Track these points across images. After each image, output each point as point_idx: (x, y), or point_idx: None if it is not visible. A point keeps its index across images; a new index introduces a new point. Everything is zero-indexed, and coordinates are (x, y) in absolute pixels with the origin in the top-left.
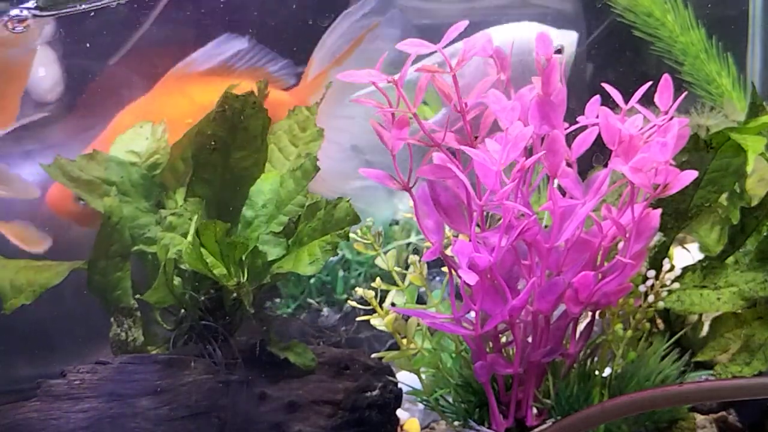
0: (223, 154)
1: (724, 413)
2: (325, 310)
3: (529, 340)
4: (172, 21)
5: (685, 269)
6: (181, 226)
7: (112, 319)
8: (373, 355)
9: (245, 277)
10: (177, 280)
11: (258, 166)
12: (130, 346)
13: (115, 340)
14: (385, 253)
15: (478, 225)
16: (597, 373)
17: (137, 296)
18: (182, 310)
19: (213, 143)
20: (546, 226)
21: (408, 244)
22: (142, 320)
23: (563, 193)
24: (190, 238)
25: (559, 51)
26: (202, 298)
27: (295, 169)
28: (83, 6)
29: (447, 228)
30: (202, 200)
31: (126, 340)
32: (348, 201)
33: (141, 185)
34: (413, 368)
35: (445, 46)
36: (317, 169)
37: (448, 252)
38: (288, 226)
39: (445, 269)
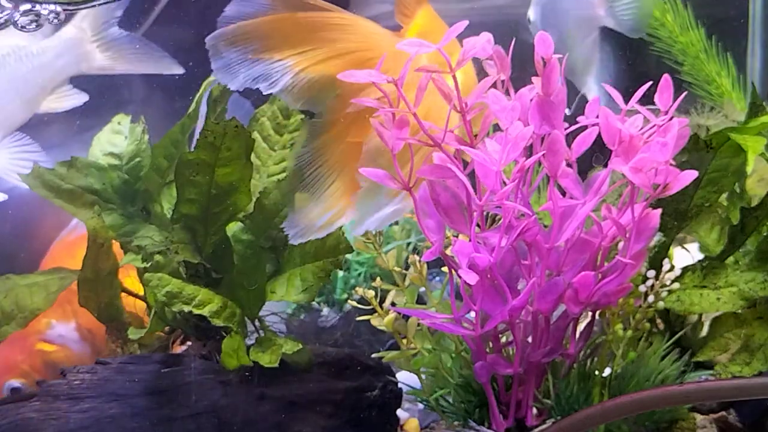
0: (207, 173)
1: (724, 413)
2: (325, 310)
3: (529, 340)
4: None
5: (685, 269)
6: (169, 264)
7: (106, 334)
8: (373, 355)
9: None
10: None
11: (244, 181)
12: None
13: (111, 354)
14: (385, 253)
15: (478, 225)
16: (597, 373)
17: (132, 338)
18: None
19: (197, 165)
20: (546, 226)
21: (408, 244)
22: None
23: (563, 193)
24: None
25: None
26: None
27: (280, 180)
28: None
29: (447, 228)
30: (188, 217)
31: (122, 355)
32: (341, 228)
33: (124, 191)
34: (413, 368)
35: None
36: (303, 179)
37: (448, 252)
38: (277, 239)
39: (445, 269)
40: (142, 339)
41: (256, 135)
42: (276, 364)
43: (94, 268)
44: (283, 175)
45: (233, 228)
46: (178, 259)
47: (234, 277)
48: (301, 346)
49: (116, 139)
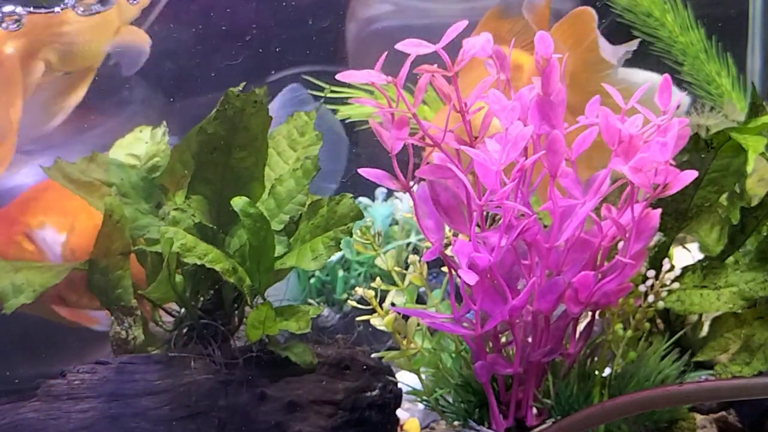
0: (225, 153)
1: (724, 413)
2: (326, 311)
3: (529, 340)
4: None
5: (685, 269)
6: (185, 220)
7: (112, 318)
8: (373, 355)
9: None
10: (178, 278)
11: (259, 166)
12: (131, 345)
13: (115, 338)
14: (384, 253)
15: (478, 225)
16: (597, 373)
17: (139, 292)
18: (182, 310)
19: (216, 143)
20: (546, 226)
21: (408, 244)
22: (142, 319)
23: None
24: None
25: None
26: (202, 298)
27: (295, 168)
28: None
29: (447, 228)
30: (204, 199)
31: (126, 338)
32: (351, 197)
33: (141, 187)
34: (413, 368)
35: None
36: (318, 168)
37: (448, 252)
38: (288, 224)
39: (445, 269)
40: (145, 340)
41: (271, 151)
42: (307, 330)
43: (106, 245)
44: None
45: (239, 202)
46: (194, 221)
47: (243, 252)
48: (322, 309)
49: (137, 143)
